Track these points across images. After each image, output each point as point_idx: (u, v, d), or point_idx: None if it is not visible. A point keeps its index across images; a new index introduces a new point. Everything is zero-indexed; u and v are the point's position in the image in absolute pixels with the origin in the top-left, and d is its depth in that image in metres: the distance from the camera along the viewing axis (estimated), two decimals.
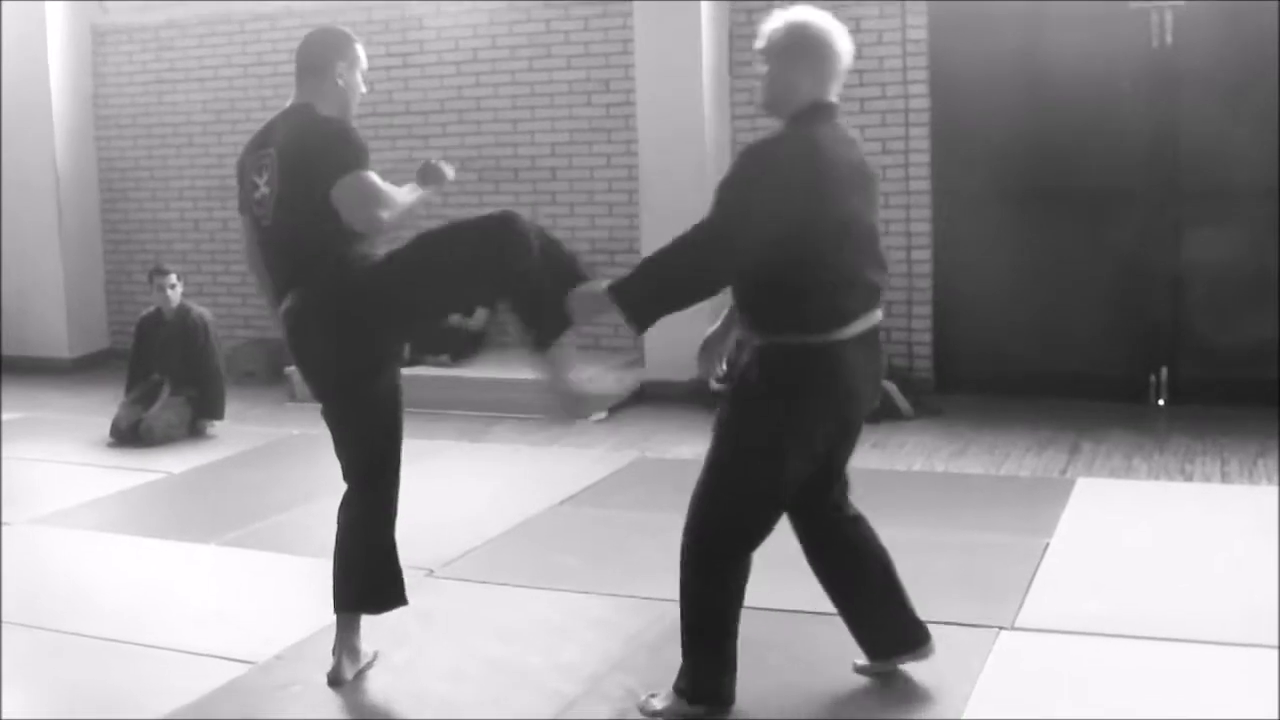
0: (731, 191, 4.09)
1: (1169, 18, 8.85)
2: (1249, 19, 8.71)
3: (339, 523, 4.94)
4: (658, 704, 4.46)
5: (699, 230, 4.07)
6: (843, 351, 4.16)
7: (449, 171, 4.86)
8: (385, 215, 4.50)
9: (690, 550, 4.35)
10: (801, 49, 4.20)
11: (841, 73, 4.26)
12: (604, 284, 4.21)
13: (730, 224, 4.03)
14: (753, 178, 4.08)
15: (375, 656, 4.97)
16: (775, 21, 4.26)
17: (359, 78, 4.84)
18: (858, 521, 4.60)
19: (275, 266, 4.73)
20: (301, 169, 4.57)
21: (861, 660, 4.72)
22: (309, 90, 4.78)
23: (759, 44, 4.28)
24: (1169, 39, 8.86)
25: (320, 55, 4.78)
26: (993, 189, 9.34)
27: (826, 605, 5.19)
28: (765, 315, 4.23)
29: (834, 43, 4.22)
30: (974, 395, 9.16)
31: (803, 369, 4.17)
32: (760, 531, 4.33)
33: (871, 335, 4.28)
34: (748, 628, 5.05)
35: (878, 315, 4.31)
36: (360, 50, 4.85)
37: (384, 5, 10.78)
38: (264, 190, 4.69)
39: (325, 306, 4.58)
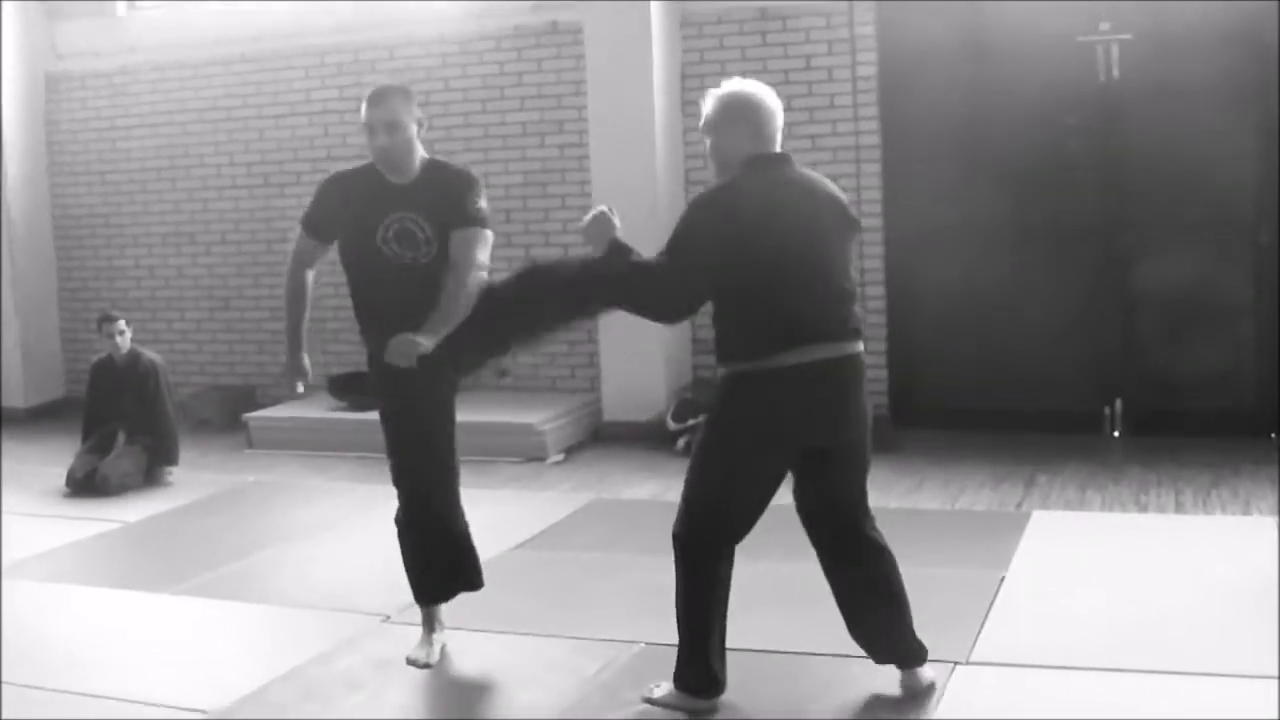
0: (674, 231, 4.56)
1: (1115, 52, 8.95)
2: (1193, 53, 8.82)
3: None
4: (658, 693, 4.79)
5: (659, 258, 4.53)
6: (779, 377, 4.47)
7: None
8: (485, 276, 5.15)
9: (674, 540, 4.68)
10: (734, 115, 4.65)
11: (777, 128, 4.68)
12: (614, 244, 4.63)
13: (672, 258, 4.50)
14: (687, 218, 4.57)
15: None
16: (707, 99, 4.72)
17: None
18: (882, 552, 4.85)
19: (424, 300, 5.07)
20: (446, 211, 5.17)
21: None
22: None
23: (701, 124, 4.74)
24: (1115, 73, 8.95)
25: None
26: (944, 225, 9.39)
27: (801, 645, 5.25)
28: (719, 345, 4.61)
29: (763, 103, 4.66)
30: (929, 430, 9.19)
31: (744, 393, 4.53)
32: (726, 531, 4.65)
33: (827, 366, 4.52)
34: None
35: (838, 348, 4.54)
36: None
37: (337, 50, 10.81)
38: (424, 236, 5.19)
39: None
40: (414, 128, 5.22)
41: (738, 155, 4.62)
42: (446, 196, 5.18)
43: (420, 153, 5.29)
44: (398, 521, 5.37)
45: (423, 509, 5.31)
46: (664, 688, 4.77)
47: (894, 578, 4.81)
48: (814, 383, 4.49)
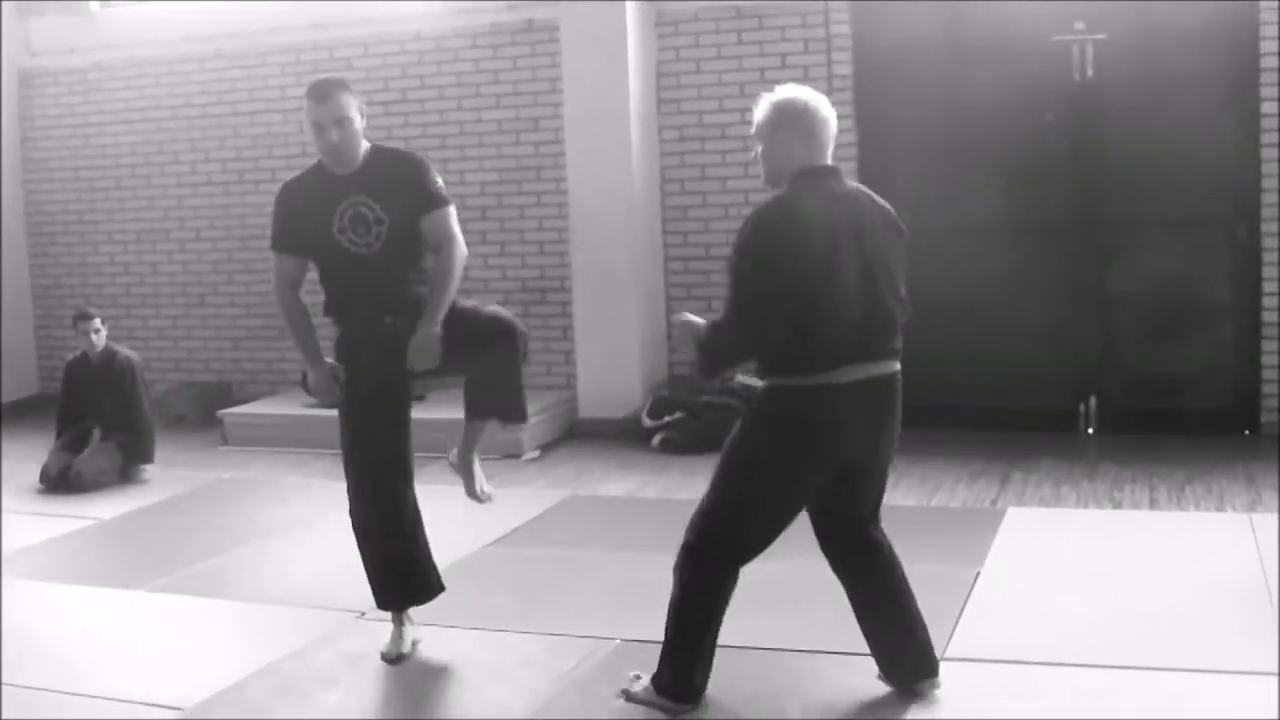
0: (738, 260, 4.39)
1: (1090, 51, 8.98)
2: (1169, 52, 8.85)
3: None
4: (636, 687, 4.76)
5: (731, 306, 4.40)
6: (826, 395, 4.39)
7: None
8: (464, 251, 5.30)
9: (687, 550, 4.58)
10: (788, 122, 4.48)
11: (830, 137, 4.55)
12: (704, 327, 4.53)
13: (746, 292, 4.37)
14: (747, 243, 4.36)
15: None
16: (761, 103, 4.55)
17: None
18: (881, 550, 4.84)
19: (382, 287, 5.25)
20: (405, 195, 5.23)
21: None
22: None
23: (752, 129, 4.59)
24: (1090, 72, 8.98)
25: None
26: (919, 224, 9.35)
27: (778, 641, 5.25)
28: (764, 358, 4.48)
29: (818, 111, 4.51)
30: (906, 428, 9.11)
31: (788, 409, 4.43)
32: (744, 546, 4.57)
33: (873, 383, 4.51)
34: None
35: (881, 366, 4.55)
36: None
37: (312, 46, 10.78)
38: (374, 217, 5.21)
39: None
40: (359, 120, 5.21)
41: (790, 164, 4.48)
42: (405, 181, 5.24)
43: (363, 142, 5.30)
44: (351, 514, 5.37)
45: (371, 497, 5.30)
46: (643, 681, 4.75)
47: (895, 577, 4.81)
48: (858, 401, 4.43)
